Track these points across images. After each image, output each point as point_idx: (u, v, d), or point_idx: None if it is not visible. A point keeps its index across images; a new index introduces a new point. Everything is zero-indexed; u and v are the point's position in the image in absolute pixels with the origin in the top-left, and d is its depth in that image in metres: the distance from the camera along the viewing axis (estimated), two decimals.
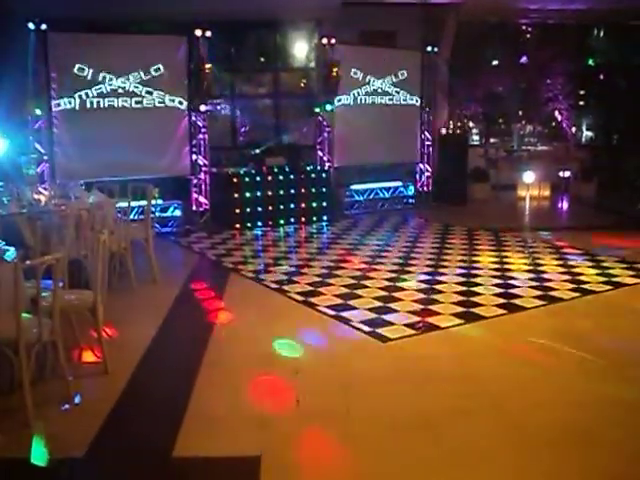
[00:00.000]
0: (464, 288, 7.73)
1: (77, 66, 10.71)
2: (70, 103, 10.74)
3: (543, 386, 5.10)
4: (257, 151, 12.89)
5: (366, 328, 6.32)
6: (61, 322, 4.88)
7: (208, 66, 11.27)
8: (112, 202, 8.07)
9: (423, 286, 7.85)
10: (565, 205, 15.43)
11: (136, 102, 11.27)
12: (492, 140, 17.55)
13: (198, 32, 11.28)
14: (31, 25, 10.08)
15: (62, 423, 4.51)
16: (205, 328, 6.45)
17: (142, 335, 6.18)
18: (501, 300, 7.23)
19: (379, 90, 13.78)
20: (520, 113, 17.38)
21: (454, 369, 5.43)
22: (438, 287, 7.80)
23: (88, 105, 10.88)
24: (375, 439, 4.23)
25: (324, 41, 12.72)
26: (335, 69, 12.54)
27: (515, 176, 16.01)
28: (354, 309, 6.94)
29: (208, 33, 11.34)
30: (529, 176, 15.76)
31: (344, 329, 6.40)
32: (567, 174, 16.44)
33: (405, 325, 6.39)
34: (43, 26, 10.16)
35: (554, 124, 17.91)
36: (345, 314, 6.77)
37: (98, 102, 10.94)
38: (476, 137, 17.55)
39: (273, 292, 7.77)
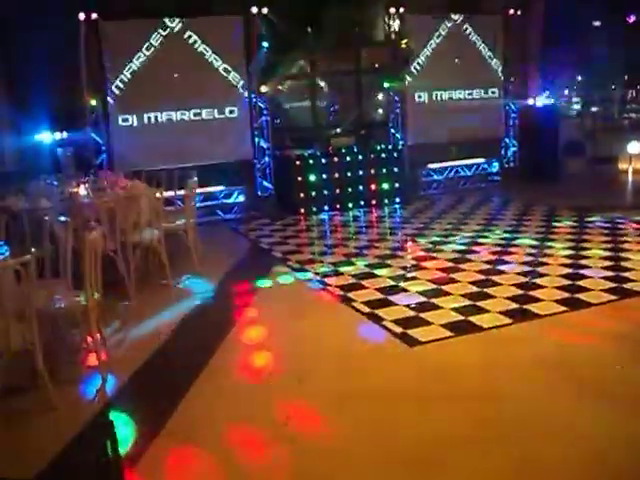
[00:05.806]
0: (524, 279, 6.88)
1: (130, 53, 10.52)
2: (126, 91, 10.57)
3: (574, 408, 4.25)
4: (336, 131, 12.28)
5: (397, 329, 5.66)
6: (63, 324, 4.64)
7: (265, 45, 10.77)
8: (150, 192, 7.76)
9: (479, 277, 7.07)
10: None
11: (194, 86, 10.95)
12: (591, 109, 16.07)
13: (254, 9, 10.78)
14: (81, 15, 9.94)
15: (30, 436, 4.21)
16: (223, 329, 5.96)
17: (156, 333, 5.91)
18: (565, 294, 6.33)
19: (456, 61, 12.83)
20: (625, 78, 15.85)
21: (477, 385, 4.64)
22: (495, 278, 6.98)
23: (145, 92, 10.67)
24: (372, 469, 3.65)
25: (393, 11, 11.91)
26: (406, 41, 11.72)
27: (616, 147, 14.56)
28: (393, 305, 6.30)
29: (264, 10, 10.81)
30: (633, 147, 14.28)
31: (372, 329, 5.77)
32: None
33: (442, 325, 5.69)
34: (94, 15, 10.03)
35: None
36: (380, 312, 6.13)
37: (154, 89, 10.71)
38: (573, 107, 16.15)
39: (312, 286, 7.23)
